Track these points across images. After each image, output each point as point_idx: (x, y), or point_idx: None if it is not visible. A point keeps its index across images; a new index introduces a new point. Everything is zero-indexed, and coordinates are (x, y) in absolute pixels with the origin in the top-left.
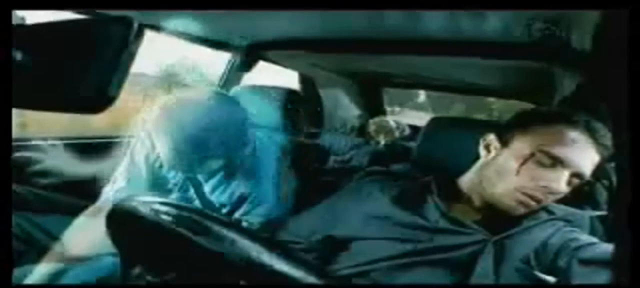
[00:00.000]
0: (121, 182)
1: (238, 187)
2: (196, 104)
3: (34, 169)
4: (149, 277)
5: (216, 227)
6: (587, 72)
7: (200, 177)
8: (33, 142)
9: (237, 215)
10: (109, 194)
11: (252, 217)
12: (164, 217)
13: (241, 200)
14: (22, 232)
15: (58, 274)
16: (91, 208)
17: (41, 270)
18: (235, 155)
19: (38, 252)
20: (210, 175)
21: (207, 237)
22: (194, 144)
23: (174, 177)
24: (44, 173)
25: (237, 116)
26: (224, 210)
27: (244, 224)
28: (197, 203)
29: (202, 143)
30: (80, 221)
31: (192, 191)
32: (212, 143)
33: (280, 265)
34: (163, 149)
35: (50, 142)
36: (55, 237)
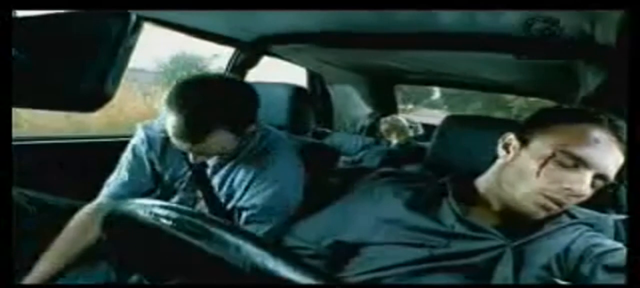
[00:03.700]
0: (124, 177)
1: (247, 176)
2: (206, 80)
3: None
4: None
5: (219, 232)
6: (612, 68)
7: (208, 172)
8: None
9: (244, 203)
10: (110, 188)
11: (260, 208)
12: (164, 221)
13: (251, 189)
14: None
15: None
16: (89, 206)
17: (36, 275)
18: (241, 133)
19: None
20: (218, 167)
21: (210, 241)
22: (200, 113)
23: (182, 177)
24: None
25: (246, 94)
26: (233, 199)
27: (250, 215)
28: (202, 203)
29: (209, 113)
30: (78, 221)
31: (198, 192)
32: (219, 114)
33: (287, 272)
34: (171, 120)
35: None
36: None
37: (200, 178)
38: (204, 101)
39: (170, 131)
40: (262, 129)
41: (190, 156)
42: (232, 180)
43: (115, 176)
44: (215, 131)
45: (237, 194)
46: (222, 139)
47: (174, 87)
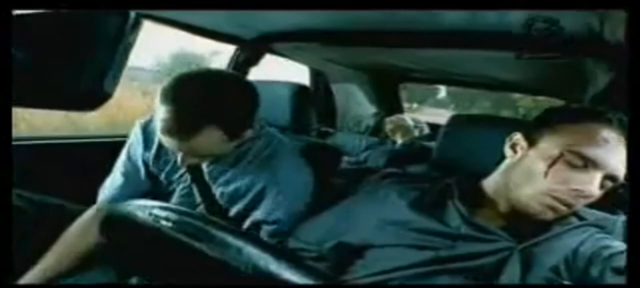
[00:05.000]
0: (119, 180)
1: (253, 186)
2: (203, 75)
3: None
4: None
5: (220, 234)
6: (620, 67)
7: (207, 178)
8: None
9: (255, 217)
10: (106, 192)
11: (265, 214)
12: (164, 222)
13: (255, 197)
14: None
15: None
16: (88, 211)
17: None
18: (235, 136)
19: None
20: (217, 173)
21: (211, 244)
22: (190, 108)
23: (178, 179)
24: None
25: (244, 93)
26: (236, 208)
27: (257, 219)
28: (201, 208)
29: (200, 109)
30: (77, 225)
31: (196, 195)
32: (211, 111)
33: (290, 275)
34: (160, 112)
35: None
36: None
37: (198, 183)
38: (196, 95)
39: (158, 125)
40: (266, 134)
41: (179, 158)
42: (236, 189)
43: (110, 179)
44: (205, 128)
45: (243, 204)
46: (212, 138)
47: (169, 80)
